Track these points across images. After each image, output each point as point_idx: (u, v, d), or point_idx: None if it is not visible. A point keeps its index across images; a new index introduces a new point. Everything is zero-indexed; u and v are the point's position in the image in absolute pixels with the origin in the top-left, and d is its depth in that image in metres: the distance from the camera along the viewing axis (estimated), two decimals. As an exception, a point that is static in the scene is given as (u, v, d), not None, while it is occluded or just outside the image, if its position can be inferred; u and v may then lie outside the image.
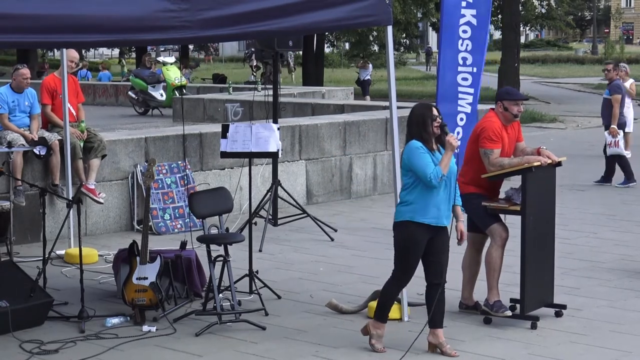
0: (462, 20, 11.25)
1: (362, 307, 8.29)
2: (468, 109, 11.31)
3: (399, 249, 7.21)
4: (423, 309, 8.35)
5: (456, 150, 7.11)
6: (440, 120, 7.14)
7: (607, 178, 15.65)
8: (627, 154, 18.76)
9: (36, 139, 10.75)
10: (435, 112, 7.17)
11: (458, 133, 11.24)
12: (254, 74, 35.46)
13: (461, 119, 11.36)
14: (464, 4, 11.23)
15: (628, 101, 18.95)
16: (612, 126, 15.53)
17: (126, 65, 53.87)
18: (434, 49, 74.12)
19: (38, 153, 10.69)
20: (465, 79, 11.33)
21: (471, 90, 11.34)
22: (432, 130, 7.13)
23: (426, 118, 7.12)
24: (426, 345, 7.31)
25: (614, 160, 15.61)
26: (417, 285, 8.98)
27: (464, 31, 11.26)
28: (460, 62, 11.29)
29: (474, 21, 11.25)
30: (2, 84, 11.79)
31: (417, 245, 7.12)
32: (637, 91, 20.17)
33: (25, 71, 10.96)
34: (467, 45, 11.25)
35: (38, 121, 11.07)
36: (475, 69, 11.32)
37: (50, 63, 55.69)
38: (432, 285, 7.23)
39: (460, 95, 11.36)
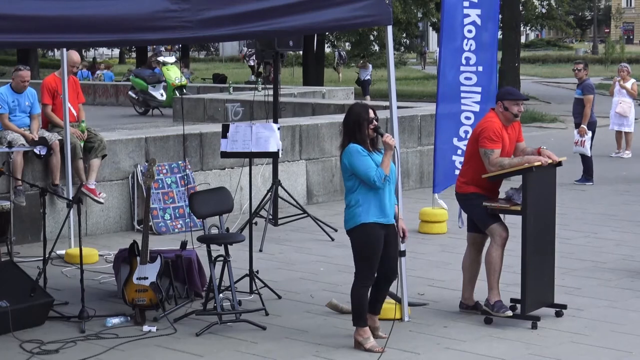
0: (466, 20, 11.24)
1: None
2: (476, 108, 11.29)
3: (360, 252, 7.29)
4: (423, 309, 8.38)
5: (396, 148, 7.19)
6: (376, 123, 7.22)
7: (587, 177, 15.63)
8: (628, 154, 18.80)
9: (36, 138, 10.75)
10: (371, 113, 7.24)
11: (466, 132, 11.23)
12: (255, 75, 35.50)
13: (467, 118, 11.35)
14: (466, 3, 11.22)
15: (630, 101, 18.99)
16: (582, 126, 15.56)
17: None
18: (431, 49, 74.35)
19: (38, 153, 10.68)
20: (468, 79, 11.32)
21: (478, 89, 11.32)
22: (367, 132, 7.21)
23: (362, 120, 7.21)
24: (427, 344, 7.31)
25: (588, 158, 15.63)
26: (417, 285, 9.00)
27: (469, 31, 11.25)
28: (464, 61, 11.28)
29: (478, 21, 11.24)
30: (2, 83, 11.78)
31: (377, 244, 7.23)
32: (638, 91, 20.20)
33: (24, 73, 10.92)
34: (471, 45, 11.24)
35: (38, 121, 11.07)
36: (481, 68, 11.30)
37: (50, 63, 55.75)
38: (388, 280, 7.40)
39: (463, 95, 11.35)
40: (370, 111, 7.27)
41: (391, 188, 7.28)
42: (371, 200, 7.19)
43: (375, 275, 7.35)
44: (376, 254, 7.25)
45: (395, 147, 7.19)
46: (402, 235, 7.46)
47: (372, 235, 7.20)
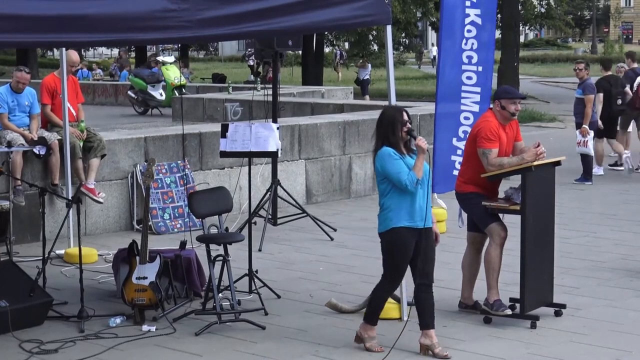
0: (467, 20, 11.24)
1: (361, 307, 8.28)
2: (475, 108, 11.29)
3: (388, 256, 7.22)
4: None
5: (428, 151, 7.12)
6: (409, 126, 7.15)
7: (586, 176, 15.66)
8: (627, 153, 18.79)
9: (36, 138, 10.75)
10: (405, 116, 7.17)
11: (465, 132, 11.23)
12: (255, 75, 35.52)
13: (466, 118, 11.35)
14: (467, 3, 11.22)
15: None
16: (583, 126, 15.57)
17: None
18: (428, 48, 74.33)
19: (37, 153, 10.68)
20: (469, 78, 11.32)
21: (477, 89, 11.31)
22: (401, 135, 7.13)
23: (396, 123, 7.13)
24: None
25: (588, 157, 15.66)
26: (416, 284, 8.99)
27: (469, 30, 11.24)
28: (465, 60, 11.27)
29: (478, 20, 11.25)
30: (2, 83, 11.78)
31: (406, 249, 7.13)
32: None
33: (21, 75, 10.88)
34: (473, 44, 11.23)
35: (37, 121, 11.07)
36: (481, 68, 11.30)
37: (50, 63, 55.75)
38: (422, 286, 7.22)
39: (463, 95, 11.34)
40: (404, 114, 7.18)
41: (425, 191, 7.17)
42: (403, 204, 7.08)
43: (402, 280, 7.28)
44: (404, 260, 7.16)
45: (427, 150, 7.08)
46: (434, 238, 7.33)
47: (400, 241, 7.11)
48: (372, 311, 7.34)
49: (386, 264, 7.24)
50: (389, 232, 7.14)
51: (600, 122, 16.22)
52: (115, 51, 77.06)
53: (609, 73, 17.16)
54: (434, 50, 71.37)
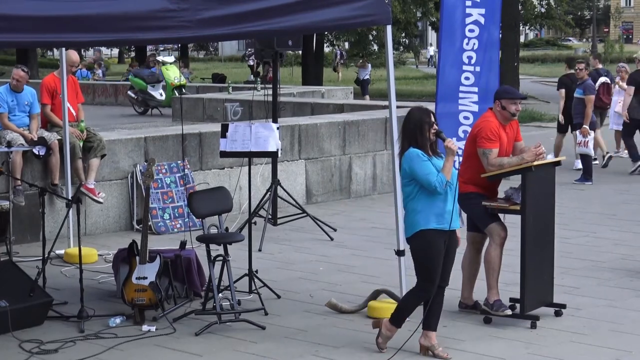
0: (468, 20, 11.23)
1: (361, 307, 8.29)
2: (475, 108, 11.28)
3: (420, 260, 7.07)
4: (423, 308, 8.37)
5: (458, 153, 7.06)
6: (436, 127, 7.09)
7: (586, 176, 15.66)
8: (627, 153, 18.77)
9: (35, 138, 10.75)
10: (432, 117, 7.11)
11: (465, 132, 11.23)
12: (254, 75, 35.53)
13: (466, 118, 11.34)
14: (469, 3, 11.21)
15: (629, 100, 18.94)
16: (584, 126, 15.60)
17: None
18: (425, 47, 74.28)
19: (37, 153, 10.68)
20: (467, 78, 11.32)
21: (474, 89, 11.31)
22: (429, 136, 7.08)
23: (423, 124, 7.05)
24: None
25: (588, 157, 15.67)
26: (416, 284, 8.99)
27: (471, 30, 11.23)
28: (466, 60, 11.26)
29: (482, 20, 11.23)
30: (2, 83, 11.78)
31: (438, 251, 7.03)
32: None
33: (17, 72, 10.91)
34: (474, 44, 11.22)
35: (37, 121, 11.07)
36: (478, 68, 11.29)
37: (50, 63, 55.74)
38: (438, 287, 7.14)
39: (461, 95, 11.34)
40: (431, 115, 7.11)
41: (453, 193, 7.07)
42: (431, 206, 7.01)
43: (437, 284, 7.10)
44: (437, 262, 7.03)
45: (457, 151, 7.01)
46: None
47: (431, 242, 7.01)
48: (399, 314, 7.22)
49: (418, 268, 7.11)
50: (417, 235, 7.05)
51: (561, 117, 17.03)
52: (115, 51, 77.17)
53: (571, 71, 17.56)
54: (431, 50, 71.41)
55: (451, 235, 7.10)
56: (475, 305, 8.29)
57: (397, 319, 7.24)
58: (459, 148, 11.19)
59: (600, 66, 19.04)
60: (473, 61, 11.28)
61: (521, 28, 49.90)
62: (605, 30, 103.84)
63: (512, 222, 8.18)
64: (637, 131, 17.35)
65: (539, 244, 8.02)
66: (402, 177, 7.16)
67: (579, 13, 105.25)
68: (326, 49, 46.91)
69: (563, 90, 17.11)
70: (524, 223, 7.84)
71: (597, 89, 17.36)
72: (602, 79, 17.74)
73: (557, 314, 8.20)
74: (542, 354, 7.23)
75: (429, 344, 7.18)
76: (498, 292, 8.04)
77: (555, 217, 8.32)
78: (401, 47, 49.84)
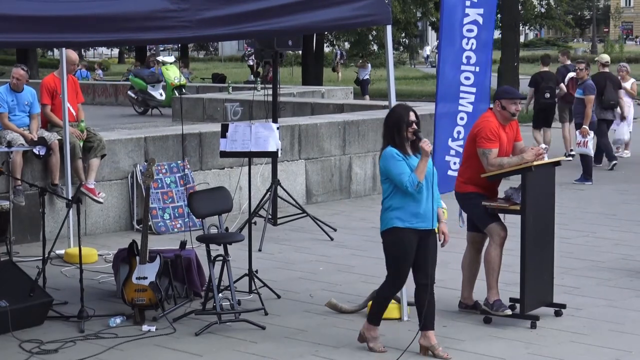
0: (466, 20, 11.23)
1: (361, 307, 8.29)
2: (469, 108, 11.29)
3: (390, 255, 7.20)
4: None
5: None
6: (415, 127, 7.10)
7: (586, 176, 15.67)
8: (627, 153, 18.78)
9: (36, 138, 10.75)
10: (412, 116, 7.11)
11: (459, 133, 11.25)
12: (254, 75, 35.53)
13: (461, 118, 11.35)
14: (468, 2, 11.22)
15: (629, 101, 18.97)
16: (583, 126, 15.62)
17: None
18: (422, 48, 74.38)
19: (37, 153, 10.68)
20: (467, 78, 11.32)
21: (473, 90, 11.32)
22: (406, 136, 7.10)
23: (401, 123, 7.09)
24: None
25: (588, 158, 15.68)
26: (416, 284, 8.99)
27: (469, 30, 11.24)
28: (464, 60, 11.27)
29: (480, 20, 11.24)
30: (2, 83, 11.79)
31: (408, 249, 7.11)
32: (637, 91, 20.21)
33: (17, 71, 10.93)
34: (473, 44, 11.23)
35: (37, 121, 11.07)
36: (477, 68, 11.30)
37: (50, 63, 55.75)
38: (420, 285, 7.21)
39: (461, 95, 11.35)
40: (412, 113, 7.11)
41: (432, 192, 7.10)
42: (406, 204, 7.06)
43: (405, 281, 7.27)
44: (406, 259, 7.12)
45: (431, 153, 7.04)
46: (442, 239, 7.30)
47: (404, 240, 7.08)
48: (375, 312, 7.33)
49: (388, 264, 7.23)
50: (390, 231, 7.13)
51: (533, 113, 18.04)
52: (116, 51, 77.18)
53: (545, 69, 18.51)
54: (427, 50, 71.45)
55: (430, 233, 7.14)
56: (475, 305, 8.29)
57: (375, 318, 7.31)
58: (452, 149, 11.28)
59: (568, 62, 19.70)
60: (472, 61, 11.28)
61: (521, 28, 49.89)
62: (605, 30, 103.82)
63: (512, 222, 8.17)
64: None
65: (539, 244, 8.02)
66: (380, 174, 7.26)
67: (579, 13, 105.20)
68: (326, 49, 46.89)
69: (532, 89, 18.18)
70: (524, 223, 7.84)
71: (566, 84, 18.05)
72: (571, 74, 18.10)
73: (557, 314, 8.20)
74: (542, 354, 7.23)
75: (429, 344, 7.18)
76: (498, 292, 8.04)
77: (555, 217, 8.32)
78: (401, 47, 49.86)
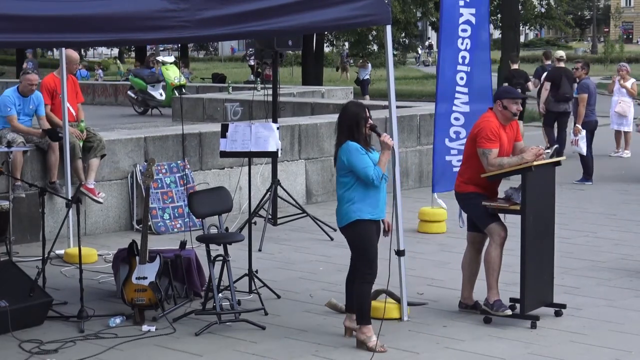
0: (461, 19, 11.26)
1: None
2: (465, 109, 11.31)
3: (358, 248, 7.36)
4: (422, 308, 8.38)
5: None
6: (371, 122, 7.31)
7: (586, 177, 15.67)
8: (627, 153, 18.79)
9: (45, 128, 10.80)
10: (367, 112, 7.34)
11: (457, 133, 11.26)
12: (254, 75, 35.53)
13: (456, 119, 11.37)
14: (461, 2, 11.25)
15: (629, 100, 18.99)
16: (576, 125, 15.63)
17: (121, 65, 53.83)
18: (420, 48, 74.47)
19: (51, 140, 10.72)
20: (462, 78, 11.35)
21: (465, 90, 11.36)
22: (364, 131, 7.30)
23: (360, 119, 7.30)
24: (427, 344, 7.31)
25: (588, 157, 15.68)
26: (416, 284, 9.00)
27: (464, 30, 11.27)
28: (460, 60, 11.30)
29: (473, 20, 11.27)
30: (2, 83, 11.77)
31: (373, 239, 7.32)
32: (637, 91, 20.21)
33: (32, 77, 10.93)
34: (467, 44, 11.27)
35: (44, 122, 11.11)
36: (469, 68, 11.34)
37: (50, 63, 55.73)
38: (365, 275, 7.36)
39: (456, 95, 11.38)
40: (367, 110, 7.37)
41: (384, 185, 7.35)
42: (367, 197, 7.29)
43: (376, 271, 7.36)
44: (373, 249, 7.29)
45: (392, 147, 7.29)
46: (386, 229, 7.47)
47: (367, 230, 7.29)
48: (360, 311, 7.36)
49: (355, 257, 7.39)
50: (353, 223, 7.33)
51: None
52: (115, 51, 77.17)
53: (515, 67, 19.74)
54: (419, 50, 71.51)
55: (379, 224, 7.40)
56: (475, 305, 8.29)
57: (364, 317, 7.35)
58: (451, 148, 11.28)
59: (547, 62, 20.32)
60: (466, 61, 11.33)
61: (521, 28, 49.90)
62: (605, 30, 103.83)
63: (512, 222, 8.17)
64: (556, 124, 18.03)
65: (539, 244, 8.02)
66: (338, 168, 7.45)
67: (579, 13, 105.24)
68: (326, 49, 46.91)
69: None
70: (524, 223, 7.84)
71: (541, 82, 18.50)
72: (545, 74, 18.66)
73: (557, 314, 8.20)
74: (542, 354, 7.23)
75: (363, 337, 7.29)
76: (498, 292, 8.04)
77: (555, 217, 8.32)
78: (400, 47, 49.84)
